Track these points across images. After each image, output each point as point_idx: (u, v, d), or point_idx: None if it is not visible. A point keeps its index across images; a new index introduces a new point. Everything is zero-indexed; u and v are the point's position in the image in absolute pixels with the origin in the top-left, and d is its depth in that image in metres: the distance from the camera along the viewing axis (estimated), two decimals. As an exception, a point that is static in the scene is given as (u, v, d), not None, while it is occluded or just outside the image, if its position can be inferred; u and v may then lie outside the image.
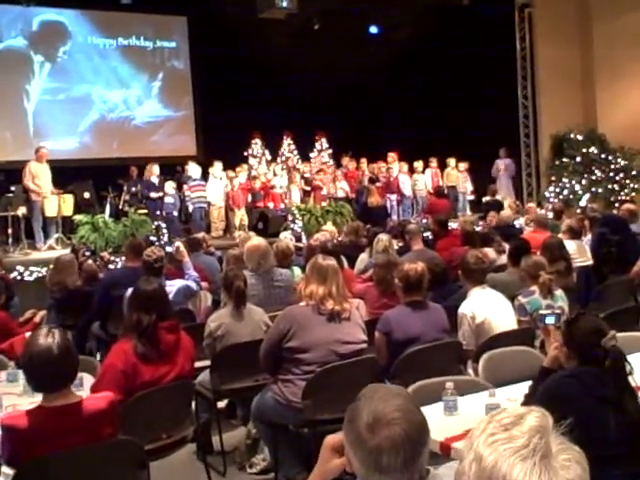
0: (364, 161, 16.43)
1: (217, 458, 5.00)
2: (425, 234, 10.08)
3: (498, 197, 15.13)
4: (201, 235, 9.46)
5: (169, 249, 7.16)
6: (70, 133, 15.98)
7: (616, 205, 13.71)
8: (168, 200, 13.53)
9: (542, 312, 3.87)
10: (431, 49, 16.39)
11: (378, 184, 15.77)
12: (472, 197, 16.94)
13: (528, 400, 3.12)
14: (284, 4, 13.65)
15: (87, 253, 9.08)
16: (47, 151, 12.16)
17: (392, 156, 16.39)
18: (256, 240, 6.66)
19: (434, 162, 16.55)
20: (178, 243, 7.10)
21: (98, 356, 6.57)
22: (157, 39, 17.23)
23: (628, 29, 15.30)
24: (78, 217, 12.09)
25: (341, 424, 1.87)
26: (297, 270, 7.04)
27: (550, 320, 3.71)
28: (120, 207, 13.51)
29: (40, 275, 10.06)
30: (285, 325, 4.35)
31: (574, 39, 16.23)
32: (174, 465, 4.48)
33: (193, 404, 4.71)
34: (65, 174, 12.90)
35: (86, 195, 13.40)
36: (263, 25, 15.07)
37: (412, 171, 16.31)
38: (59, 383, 3.09)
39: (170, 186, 13.63)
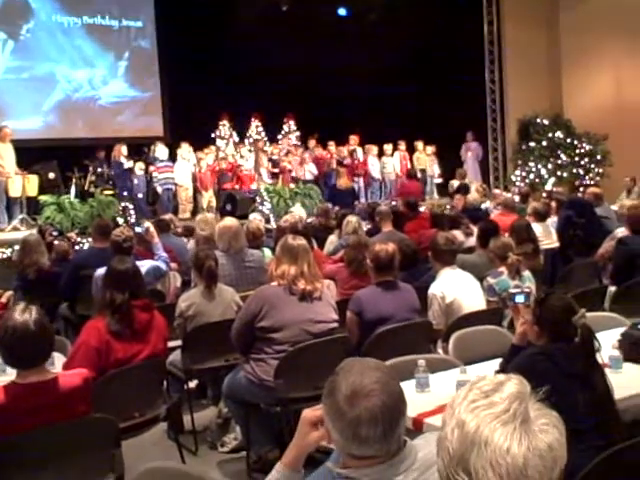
0: (332, 144, 16.42)
1: (188, 437, 5.01)
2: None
3: (466, 181, 15.27)
4: (169, 216, 9.41)
5: (138, 230, 7.11)
6: (34, 113, 15.69)
7: (581, 189, 13.90)
8: (135, 181, 13.42)
9: (512, 291, 3.92)
10: (399, 31, 16.37)
11: (345, 162, 15.82)
12: (440, 180, 17.06)
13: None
14: (253, -16, 13.56)
15: (54, 233, 8.96)
16: (10, 131, 11.96)
17: (354, 139, 16.38)
18: (228, 220, 6.64)
19: (403, 145, 16.62)
20: (148, 224, 7.05)
21: (66, 337, 6.52)
22: (123, 18, 16.93)
23: (595, 16, 15.46)
24: (43, 198, 11.94)
25: (313, 402, 1.90)
26: (267, 251, 7.05)
27: (520, 299, 3.76)
28: (86, 188, 13.34)
29: (5, 256, 9.93)
30: (257, 305, 4.36)
31: (541, 24, 16.38)
32: (146, 444, 4.48)
33: (165, 384, 4.71)
34: (29, 154, 12.67)
35: (51, 175, 13.18)
36: (231, 5, 14.97)
37: (381, 154, 16.36)
38: (36, 359, 3.08)
39: (138, 167, 13.51)
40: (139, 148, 14.48)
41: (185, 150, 14.14)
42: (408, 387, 3.48)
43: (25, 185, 11.92)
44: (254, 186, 14.41)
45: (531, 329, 3.28)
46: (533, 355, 3.08)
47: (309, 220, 10.68)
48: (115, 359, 3.92)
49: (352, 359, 1.97)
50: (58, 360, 4.04)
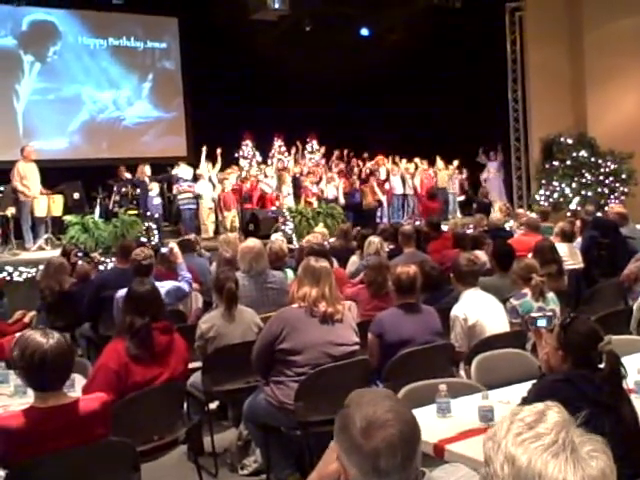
0: (355, 163, 16.46)
1: (208, 460, 4.98)
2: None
3: (487, 200, 15.21)
4: (193, 237, 9.42)
5: (164, 250, 7.11)
6: (60, 133, 15.92)
7: (605, 209, 13.75)
8: (154, 202, 13.48)
9: (533, 315, 3.85)
10: (422, 52, 16.43)
11: (370, 182, 15.86)
12: (462, 198, 17.00)
13: (523, 403, 3.10)
14: (276, 5, 13.67)
15: (79, 254, 9.03)
16: (33, 149, 12.10)
17: (380, 158, 16.45)
18: (250, 241, 6.62)
19: (424, 164, 16.63)
20: (172, 244, 7.05)
21: (88, 357, 6.54)
22: (148, 40, 17.20)
23: (619, 34, 15.38)
24: (68, 217, 12.06)
25: (333, 426, 1.86)
26: (290, 272, 7.02)
27: (542, 323, 3.69)
28: (110, 208, 13.45)
29: (29, 276, 10.03)
30: (278, 327, 4.33)
31: (565, 43, 16.30)
32: (165, 467, 4.46)
33: (185, 405, 4.69)
34: (54, 174, 12.83)
35: (76, 196, 13.33)
36: (254, 26, 15.07)
37: (403, 172, 16.37)
38: (55, 383, 3.07)
39: (155, 187, 13.55)
40: (162, 168, 14.58)
41: (208, 170, 14.19)
42: (429, 412, 3.43)
43: (50, 205, 12.05)
44: (277, 205, 14.42)
45: (554, 354, 3.19)
46: (556, 382, 3.00)
47: (331, 240, 10.64)
48: (134, 382, 3.90)
49: (360, 390, 1.94)
50: (78, 382, 4.04)
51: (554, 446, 1.28)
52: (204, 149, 14.17)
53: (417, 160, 16.71)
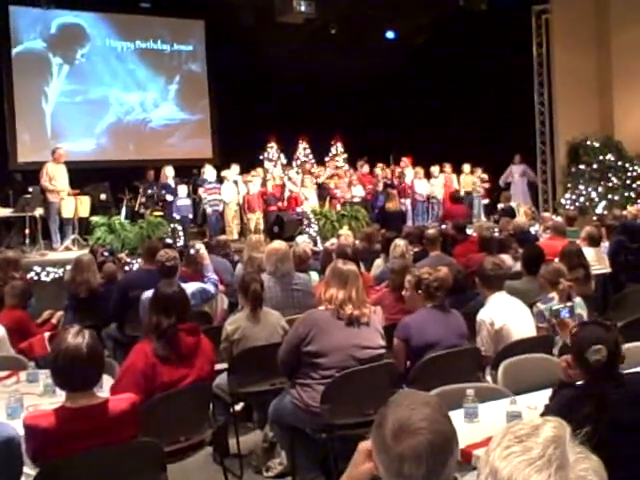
0: (380, 166, 16.44)
1: (234, 461, 5.00)
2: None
3: (512, 204, 15.11)
4: (224, 238, 9.44)
5: (191, 251, 7.14)
6: (87, 135, 16.06)
7: (624, 212, 13.57)
8: (181, 203, 13.55)
9: (555, 307, 3.81)
10: (448, 54, 16.37)
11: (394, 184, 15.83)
12: (487, 201, 16.90)
13: (545, 414, 3.00)
14: (302, 8, 13.67)
15: (105, 254, 9.10)
16: (64, 152, 12.23)
17: (405, 161, 16.42)
18: (276, 243, 6.65)
19: (448, 167, 16.55)
20: (199, 245, 7.08)
21: (114, 358, 6.58)
22: (174, 42, 17.30)
23: (646, 37, 15.22)
24: (94, 218, 12.18)
25: (359, 428, 1.87)
26: (314, 274, 7.03)
27: (565, 313, 3.66)
28: (136, 209, 13.55)
29: (57, 276, 10.13)
30: (304, 329, 4.34)
31: (591, 46, 16.14)
32: (191, 468, 4.48)
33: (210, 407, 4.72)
34: (82, 175, 12.95)
35: (102, 197, 13.46)
36: (280, 29, 15.11)
37: (428, 176, 16.31)
38: (87, 383, 3.10)
39: (183, 189, 13.62)
40: (188, 170, 14.66)
41: (233, 172, 14.28)
42: (456, 417, 3.41)
43: (77, 206, 12.15)
44: (301, 208, 14.43)
45: (569, 365, 2.99)
46: (573, 399, 2.85)
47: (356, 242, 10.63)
48: (161, 382, 3.93)
49: (405, 391, 1.94)
50: (106, 382, 4.07)
51: (539, 461, 1.24)
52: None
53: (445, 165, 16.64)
